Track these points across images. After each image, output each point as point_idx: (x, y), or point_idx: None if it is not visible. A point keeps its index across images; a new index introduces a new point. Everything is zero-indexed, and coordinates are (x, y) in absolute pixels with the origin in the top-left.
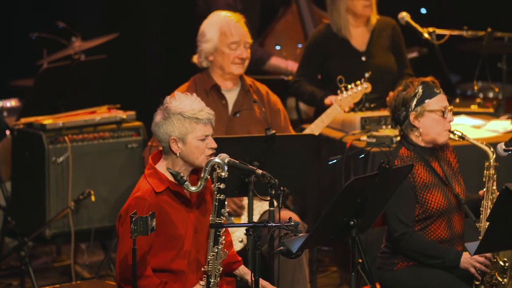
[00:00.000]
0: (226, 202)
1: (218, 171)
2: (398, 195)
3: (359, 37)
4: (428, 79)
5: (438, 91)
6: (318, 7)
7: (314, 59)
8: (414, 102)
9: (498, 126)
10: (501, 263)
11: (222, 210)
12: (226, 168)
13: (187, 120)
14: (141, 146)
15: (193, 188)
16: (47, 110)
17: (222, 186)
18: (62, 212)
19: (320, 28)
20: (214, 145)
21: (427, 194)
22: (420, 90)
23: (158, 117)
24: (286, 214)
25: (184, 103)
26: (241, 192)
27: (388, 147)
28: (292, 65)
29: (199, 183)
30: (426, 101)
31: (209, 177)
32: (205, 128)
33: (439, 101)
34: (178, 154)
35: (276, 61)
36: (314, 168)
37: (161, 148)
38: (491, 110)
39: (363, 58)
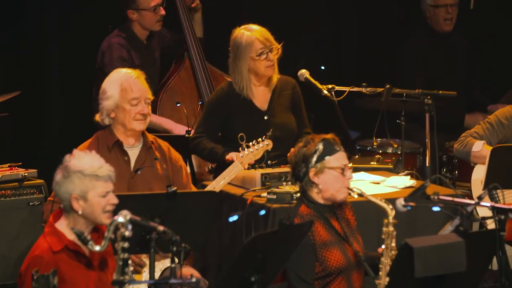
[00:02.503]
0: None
1: (122, 230)
2: (298, 253)
3: (261, 96)
4: (329, 136)
5: (338, 149)
6: (211, 64)
7: (216, 116)
8: (314, 159)
9: (397, 182)
10: None
11: (126, 268)
12: (130, 227)
13: (87, 177)
14: (43, 203)
15: (97, 248)
16: None
17: (126, 245)
18: None
19: (222, 86)
20: (115, 201)
21: (327, 252)
22: (320, 146)
23: (58, 176)
24: (187, 270)
25: (83, 161)
26: (142, 249)
27: (288, 203)
28: (167, 122)
29: (103, 242)
30: (327, 158)
31: (113, 236)
32: (106, 184)
33: (339, 158)
34: (80, 212)
35: (152, 118)
36: (216, 225)
37: (62, 206)
38: (390, 166)
39: (265, 117)
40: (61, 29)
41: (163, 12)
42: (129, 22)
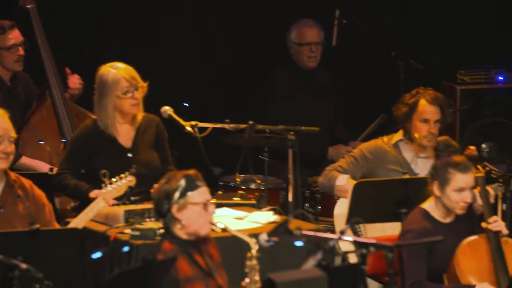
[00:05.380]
0: None
1: None
2: None
3: (125, 134)
4: (191, 172)
5: (200, 184)
6: (73, 103)
7: (80, 153)
8: (177, 195)
9: (261, 217)
10: None
11: None
12: None
13: None
14: None
15: None
16: None
17: None
18: None
19: (87, 123)
20: None
21: (191, 287)
22: (182, 182)
23: None
24: None
25: None
26: None
27: (152, 240)
28: (40, 165)
29: None
30: (189, 193)
31: None
32: None
33: (202, 193)
34: None
35: (26, 161)
36: (79, 262)
37: None
38: (253, 201)
39: (129, 155)
40: None
41: (21, 52)
42: None
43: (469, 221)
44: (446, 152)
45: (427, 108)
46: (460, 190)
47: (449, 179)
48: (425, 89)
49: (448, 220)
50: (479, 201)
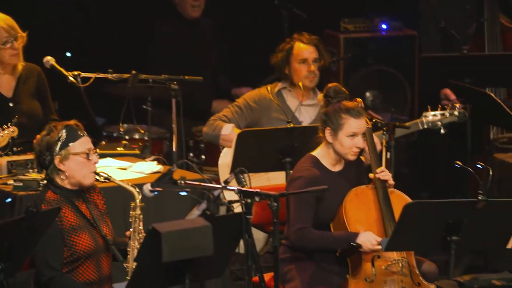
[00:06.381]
0: None
1: None
2: (46, 239)
3: (5, 84)
4: (72, 122)
5: (82, 134)
6: None
7: None
8: (58, 146)
9: (144, 168)
10: None
11: None
12: None
13: None
14: None
15: None
16: None
17: None
18: None
19: None
20: None
21: (75, 236)
22: (63, 133)
23: None
24: None
25: None
26: None
27: (35, 190)
28: None
29: None
30: (70, 144)
31: None
32: None
33: (83, 143)
34: None
35: None
36: None
37: None
38: (137, 151)
39: (10, 104)
40: None
41: None
42: None
43: (357, 171)
44: (336, 98)
45: (303, 49)
46: (353, 135)
47: (342, 124)
48: (299, 34)
49: (337, 168)
50: (367, 151)
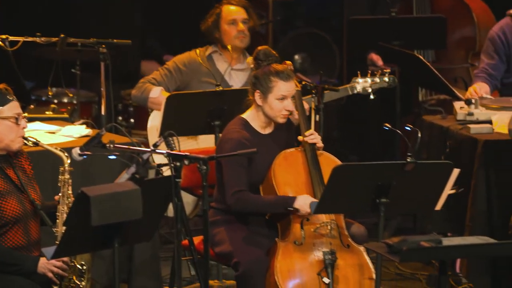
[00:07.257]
0: None
1: None
2: None
3: None
4: (1, 86)
5: (11, 98)
6: None
7: None
8: None
9: (73, 131)
10: (79, 266)
11: None
12: None
13: None
14: None
15: None
16: None
17: None
18: None
19: None
20: None
21: (2, 201)
22: None
23: None
24: None
25: None
26: None
27: None
28: None
29: None
30: None
31: None
32: None
33: (12, 108)
34: None
35: None
36: None
37: None
38: (66, 115)
39: None
40: None
41: None
42: None
43: (288, 134)
44: (266, 61)
45: (232, 10)
46: (283, 98)
47: (272, 87)
48: None
49: (267, 131)
50: (296, 114)
